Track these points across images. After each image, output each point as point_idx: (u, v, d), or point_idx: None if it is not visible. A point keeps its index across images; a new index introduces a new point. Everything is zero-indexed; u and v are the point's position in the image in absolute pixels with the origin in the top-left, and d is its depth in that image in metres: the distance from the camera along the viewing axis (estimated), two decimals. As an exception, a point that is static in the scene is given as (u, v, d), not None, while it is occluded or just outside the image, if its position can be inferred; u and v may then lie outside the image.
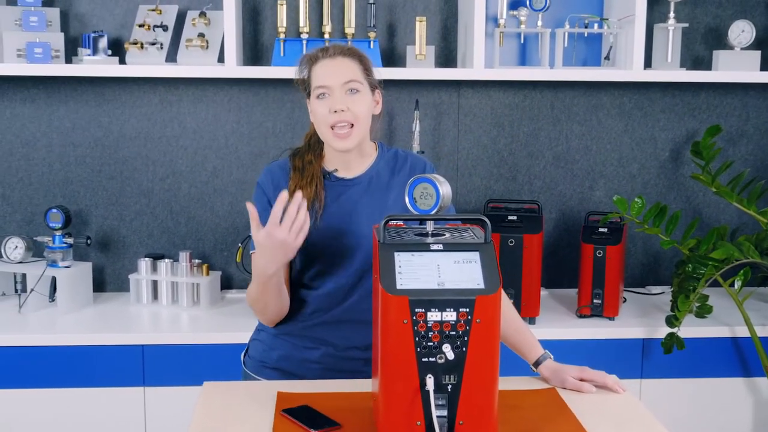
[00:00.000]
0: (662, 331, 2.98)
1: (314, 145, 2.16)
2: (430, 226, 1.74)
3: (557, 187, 3.50)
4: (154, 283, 3.25)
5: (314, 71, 2.07)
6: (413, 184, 1.75)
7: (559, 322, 3.10)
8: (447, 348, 1.58)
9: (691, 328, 3.01)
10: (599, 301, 3.11)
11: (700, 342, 3.04)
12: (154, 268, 3.24)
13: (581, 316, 3.13)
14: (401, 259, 1.63)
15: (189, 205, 3.40)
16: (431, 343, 1.58)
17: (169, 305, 3.22)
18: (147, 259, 3.23)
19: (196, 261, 3.24)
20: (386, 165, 2.16)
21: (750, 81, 3.31)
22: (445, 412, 1.60)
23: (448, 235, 1.73)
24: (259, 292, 2.02)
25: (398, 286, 1.58)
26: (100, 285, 3.41)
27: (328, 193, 2.11)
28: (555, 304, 3.31)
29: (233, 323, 3.03)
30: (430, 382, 1.58)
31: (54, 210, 3.14)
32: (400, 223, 1.83)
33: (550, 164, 3.48)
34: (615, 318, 3.11)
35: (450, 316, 1.58)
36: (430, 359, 1.58)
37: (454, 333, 1.58)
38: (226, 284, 3.43)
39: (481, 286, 1.59)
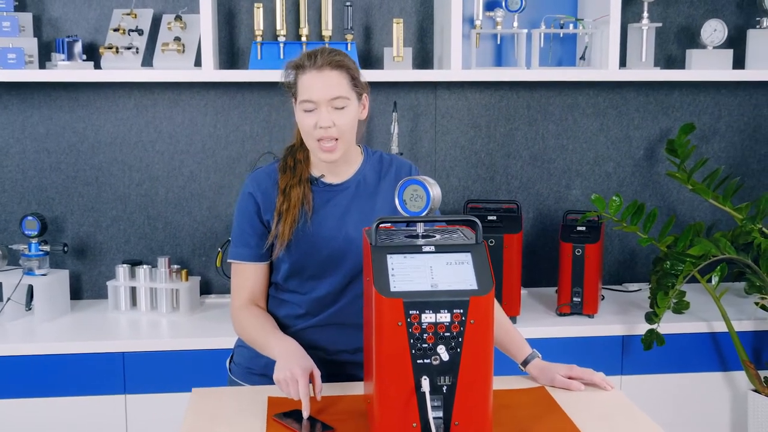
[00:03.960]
0: (641, 328, 3.01)
1: (304, 143, 2.14)
2: (420, 228, 1.74)
3: (534, 186, 3.52)
4: (133, 290, 3.22)
5: (301, 81, 2.02)
6: (403, 186, 1.75)
7: (540, 321, 3.12)
8: (441, 349, 1.58)
9: (669, 324, 3.04)
10: (579, 299, 3.13)
11: (678, 337, 3.08)
12: (132, 275, 3.20)
13: (561, 315, 3.15)
14: (394, 261, 1.63)
15: (166, 210, 3.37)
16: (426, 345, 1.58)
17: (148, 311, 3.19)
18: (125, 265, 3.19)
19: (175, 266, 3.21)
20: (372, 169, 2.15)
21: (722, 79, 3.35)
22: (440, 414, 1.61)
23: (438, 236, 1.74)
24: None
25: (392, 289, 1.58)
26: (76, 292, 3.37)
27: (316, 198, 2.10)
28: (535, 303, 3.33)
29: (214, 329, 3.01)
30: (425, 383, 1.58)
31: (30, 217, 3.10)
32: (390, 225, 1.83)
33: (527, 164, 3.50)
34: (594, 315, 3.14)
35: (444, 317, 1.58)
36: (425, 361, 1.59)
37: (448, 334, 1.58)
38: (206, 289, 3.40)
39: (474, 286, 1.60)
